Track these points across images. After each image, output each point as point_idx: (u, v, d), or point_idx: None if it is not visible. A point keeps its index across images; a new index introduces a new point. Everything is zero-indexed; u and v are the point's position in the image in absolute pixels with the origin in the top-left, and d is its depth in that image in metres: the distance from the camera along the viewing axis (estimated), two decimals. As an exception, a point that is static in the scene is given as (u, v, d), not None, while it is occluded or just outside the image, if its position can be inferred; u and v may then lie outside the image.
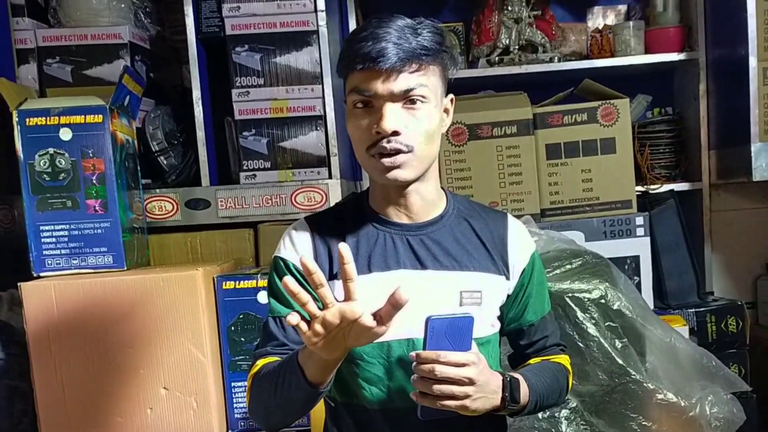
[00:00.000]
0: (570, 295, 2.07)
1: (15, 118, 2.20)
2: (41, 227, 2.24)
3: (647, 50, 3.08)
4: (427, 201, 1.50)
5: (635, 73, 3.19)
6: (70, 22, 2.70)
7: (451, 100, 1.51)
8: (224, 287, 2.22)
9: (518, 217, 2.24)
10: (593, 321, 2.05)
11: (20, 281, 2.15)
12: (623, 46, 3.07)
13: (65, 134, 2.22)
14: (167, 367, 2.16)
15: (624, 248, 2.58)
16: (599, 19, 3.34)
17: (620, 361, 2.02)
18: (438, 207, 1.52)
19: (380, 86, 1.35)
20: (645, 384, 2.01)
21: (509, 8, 3.07)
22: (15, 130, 2.20)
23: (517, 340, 1.62)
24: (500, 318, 1.56)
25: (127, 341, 2.16)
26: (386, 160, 1.38)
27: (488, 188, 2.61)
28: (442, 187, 1.56)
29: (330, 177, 2.54)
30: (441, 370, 1.26)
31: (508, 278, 1.53)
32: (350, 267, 1.18)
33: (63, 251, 2.25)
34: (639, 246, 2.60)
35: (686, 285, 2.81)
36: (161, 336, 2.15)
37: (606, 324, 2.06)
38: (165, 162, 2.66)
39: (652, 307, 2.49)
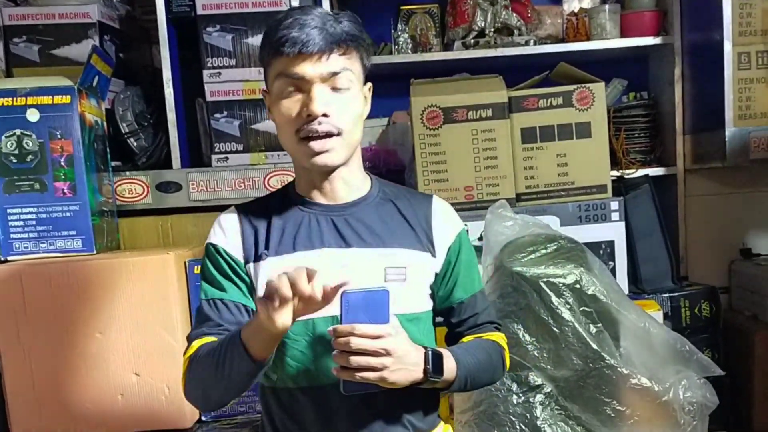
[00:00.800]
0: (545, 280, 2.06)
1: (-20, 99, 2.16)
2: (8, 210, 2.21)
3: (623, 34, 3.07)
4: (351, 185, 1.55)
5: (611, 57, 3.18)
6: (37, 0, 2.65)
7: (369, 88, 1.56)
8: (196, 271, 2.20)
9: (493, 201, 2.24)
10: (568, 306, 2.05)
11: (-14, 265, 2.12)
12: (599, 29, 3.06)
13: (32, 115, 2.19)
14: (138, 352, 2.14)
15: (599, 233, 2.57)
16: (575, 2, 3.33)
17: (595, 346, 2.02)
18: (362, 190, 1.57)
19: (309, 69, 1.41)
20: (619, 369, 2.01)
21: (485, -10, 3.06)
22: (-20, 111, 2.16)
23: (449, 318, 1.65)
24: (432, 297, 1.59)
25: (96, 326, 2.13)
26: (315, 144, 1.43)
27: (463, 172, 2.59)
28: (367, 172, 1.62)
29: (304, 160, 2.51)
30: (356, 342, 1.30)
31: (434, 255, 1.57)
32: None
33: (31, 235, 2.22)
34: (614, 231, 2.59)
35: (661, 270, 2.82)
36: (132, 321, 2.13)
37: (581, 309, 2.05)
38: (135, 144, 2.63)
39: (626, 292, 2.49)
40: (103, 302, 2.13)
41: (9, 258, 2.22)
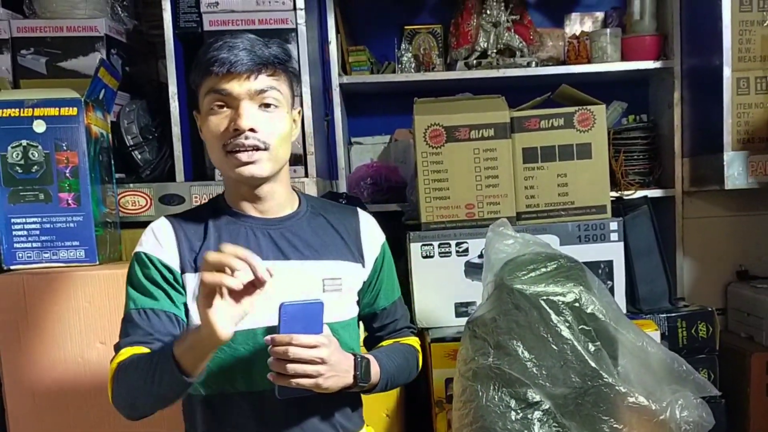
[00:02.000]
0: (545, 298, 2.07)
1: (-12, 109, 2.17)
2: (13, 220, 2.22)
3: (623, 57, 3.11)
4: (279, 201, 1.60)
5: (611, 79, 3.21)
6: (45, 13, 2.68)
7: (299, 113, 1.63)
8: (198, 284, 2.20)
9: (494, 219, 2.26)
10: (567, 324, 2.05)
11: (-10, 274, 2.13)
12: (600, 52, 3.10)
13: (39, 126, 2.20)
14: (138, 363, 2.14)
15: (598, 253, 2.59)
16: (576, 25, 3.37)
17: (593, 364, 2.02)
18: (291, 206, 1.63)
19: (237, 87, 1.46)
20: (617, 387, 2.02)
21: (488, 12, 3.09)
22: (-12, 121, 2.17)
23: (371, 323, 1.76)
24: (358, 302, 1.68)
25: (98, 336, 2.14)
26: (243, 155, 1.47)
27: (465, 190, 2.60)
28: (294, 188, 1.67)
29: (306, 175, 2.53)
30: (294, 351, 1.37)
31: (363, 266, 1.67)
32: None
33: (34, 244, 2.23)
34: (612, 251, 2.60)
35: (658, 290, 2.83)
36: (133, 332, 2.13)
37: (579, 327, 2.06)
38: (139, 156, 2.64)
39: (624, 311, 2.50)
40: (104, 312, 2.14)
41: (12, 267, 2.23)
